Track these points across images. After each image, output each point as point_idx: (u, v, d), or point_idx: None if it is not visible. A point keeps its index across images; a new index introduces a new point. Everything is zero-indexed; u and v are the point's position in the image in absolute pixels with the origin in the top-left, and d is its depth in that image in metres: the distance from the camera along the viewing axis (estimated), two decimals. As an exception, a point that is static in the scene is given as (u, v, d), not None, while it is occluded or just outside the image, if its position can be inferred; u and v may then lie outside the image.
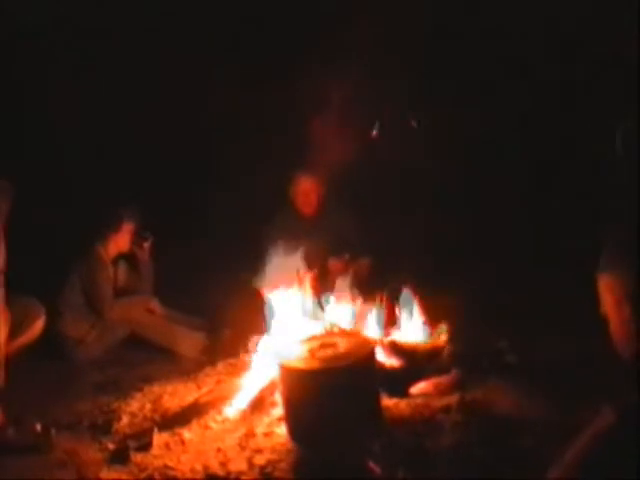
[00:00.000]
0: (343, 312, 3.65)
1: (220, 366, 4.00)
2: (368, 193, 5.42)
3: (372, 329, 3.59)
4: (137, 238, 4.59)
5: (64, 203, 5.05)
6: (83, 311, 4.36)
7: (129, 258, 4.64)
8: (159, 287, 4.72)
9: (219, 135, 5.70)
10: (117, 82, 5.53)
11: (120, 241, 4.50)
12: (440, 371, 3.29)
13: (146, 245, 4.62)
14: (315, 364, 2.87)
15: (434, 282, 4.18)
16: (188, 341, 4.29)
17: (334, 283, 3.82)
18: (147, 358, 4.23)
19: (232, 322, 4.39)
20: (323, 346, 3.01)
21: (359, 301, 3.71)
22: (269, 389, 3.31)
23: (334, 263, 4.50)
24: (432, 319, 3.67)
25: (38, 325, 3.96)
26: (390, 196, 5.58)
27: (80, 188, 5.13)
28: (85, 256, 4.39)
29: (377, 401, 2.99)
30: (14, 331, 3.83)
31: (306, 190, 4.87)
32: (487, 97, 5.36)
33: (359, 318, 3.63)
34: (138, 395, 3.63)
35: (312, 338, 3.17)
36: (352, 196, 5.20)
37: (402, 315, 3.66)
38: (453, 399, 3.05)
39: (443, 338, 3.54)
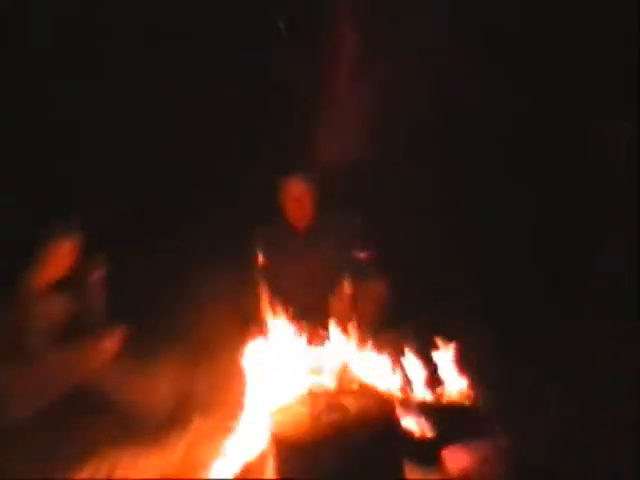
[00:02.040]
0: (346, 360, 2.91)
1: (195, 424, 3.21)
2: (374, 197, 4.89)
3: (389, 383, 2.88)
4: (87, 262, 3.81)
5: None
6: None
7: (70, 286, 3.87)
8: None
9: (218, 134, 5.41)
10: (116, 81, 5.33)
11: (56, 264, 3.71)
12: (478, 433, 2.59)
13: (97, 272, 3.81)
14: (319, 433, 2.33)
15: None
16: (154, 391, 3.53)
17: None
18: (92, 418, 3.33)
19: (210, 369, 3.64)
20: (328, 408, 2.44)
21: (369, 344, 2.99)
22: (258, 461, 2.65)
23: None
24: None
25: None
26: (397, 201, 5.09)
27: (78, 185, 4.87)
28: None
29: (400, 476, 2.42)
30: None
31: (298, 196, 3.87)
32: (486, 97, 5.15)
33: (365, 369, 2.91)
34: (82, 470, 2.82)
35: (314, 397, 2.57)
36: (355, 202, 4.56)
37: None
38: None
39: None
